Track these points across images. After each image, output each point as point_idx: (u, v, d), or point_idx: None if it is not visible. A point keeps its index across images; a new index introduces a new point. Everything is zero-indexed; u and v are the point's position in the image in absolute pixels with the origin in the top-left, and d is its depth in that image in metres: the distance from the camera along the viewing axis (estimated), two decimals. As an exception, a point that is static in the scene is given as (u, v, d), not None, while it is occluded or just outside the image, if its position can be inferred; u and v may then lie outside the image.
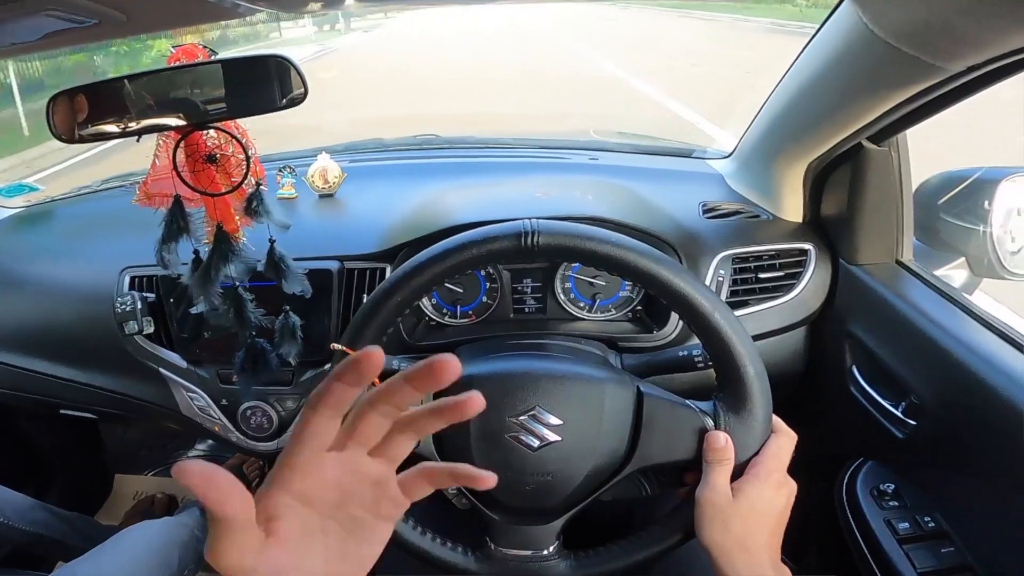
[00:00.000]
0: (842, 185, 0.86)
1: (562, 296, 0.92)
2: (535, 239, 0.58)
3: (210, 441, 1.68)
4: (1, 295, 1.08)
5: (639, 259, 0.57)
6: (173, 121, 0.70)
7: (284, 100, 0.72)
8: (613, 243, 0.58)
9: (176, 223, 0.76)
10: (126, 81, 0.70)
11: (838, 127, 0.78)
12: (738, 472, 0.56)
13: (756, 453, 0.57)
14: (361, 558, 0.37)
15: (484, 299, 0.94)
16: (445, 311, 0.94)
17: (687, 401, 0.60)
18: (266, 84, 0.71)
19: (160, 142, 0.77)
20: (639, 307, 0.92)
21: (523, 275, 0.93)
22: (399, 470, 0.38)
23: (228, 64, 0.72)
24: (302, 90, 0.72)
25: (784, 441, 0.58)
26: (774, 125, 0.90)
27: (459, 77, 7.31)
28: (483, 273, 0.92)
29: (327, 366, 0.93)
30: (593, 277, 0.91)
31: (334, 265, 0.91)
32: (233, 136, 0.75)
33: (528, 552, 0.63)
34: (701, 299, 0.56)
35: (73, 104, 0.70)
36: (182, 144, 0.73)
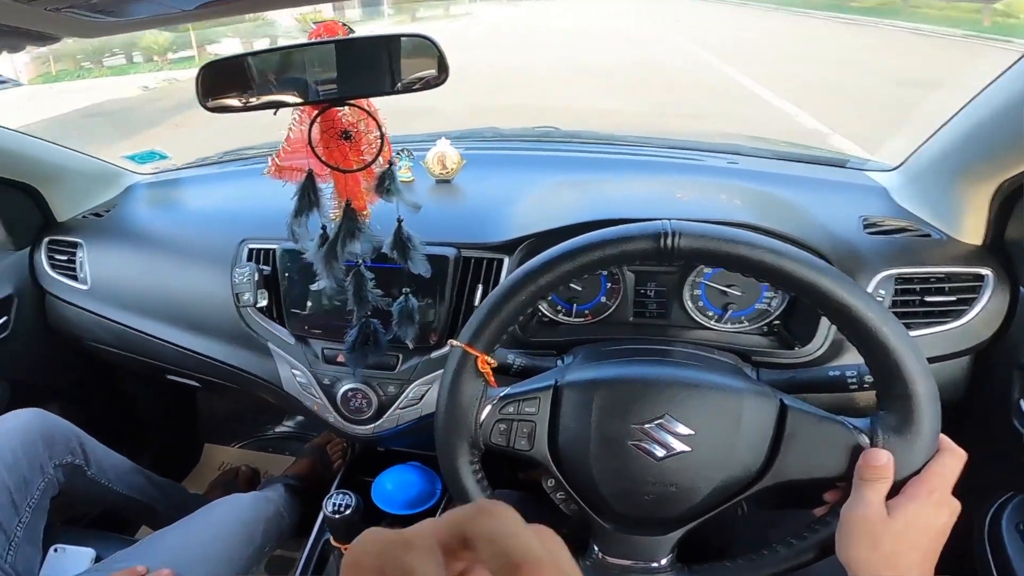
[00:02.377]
0: None
1: (690, 303, 0.89)
2: (676, 241, 0.56)
3: (298, 417, 1.75)
4: (127, 258, 1.17)
5: (795, 266, 0.54)
6: (311, 96, 0.73)
7: (426, 82, 0.72)
8: (766, 248, 0.55)
9: (307, 197, 0.79)
10: (268, 55, 0.73)
11: None
12: (894, 490, 0.54)
13: (916, 472, 0.54)
14: None
15: (603, 299, 0.92)
16: (560, 308, 0.93)
17: (839, 417, 0.57)
18: (407, 63, 0.72)
19: (295, 117, 0.80)
20: (776, 321, 0.88)
21: (648, 278, 0.90)
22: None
23: (369, 41, 0.73)
24: (437, 72, 0.71)
25: (950, 460, 0.55)
26: (964, 139, 0.84)
27: (570, 72, 7.36)
28: (605, 273, 0.90)
29: (433, 354, 0.94)
30: (727, 286, 0.87)
31: (451, 252, 0.92)
32: (369, 114, 0.76)
33: (639, 563, 0.62)
34: (867, 311, 0.53)
35: (219, 75, 0.74)
36: (318, 120, 0.75)
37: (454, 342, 0.63)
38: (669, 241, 0.56)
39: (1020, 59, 0.74)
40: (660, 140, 1.28)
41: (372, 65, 0.72)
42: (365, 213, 0.81)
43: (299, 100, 0.73)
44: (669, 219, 0.58)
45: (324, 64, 0.73)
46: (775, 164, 1.16)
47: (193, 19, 0.82)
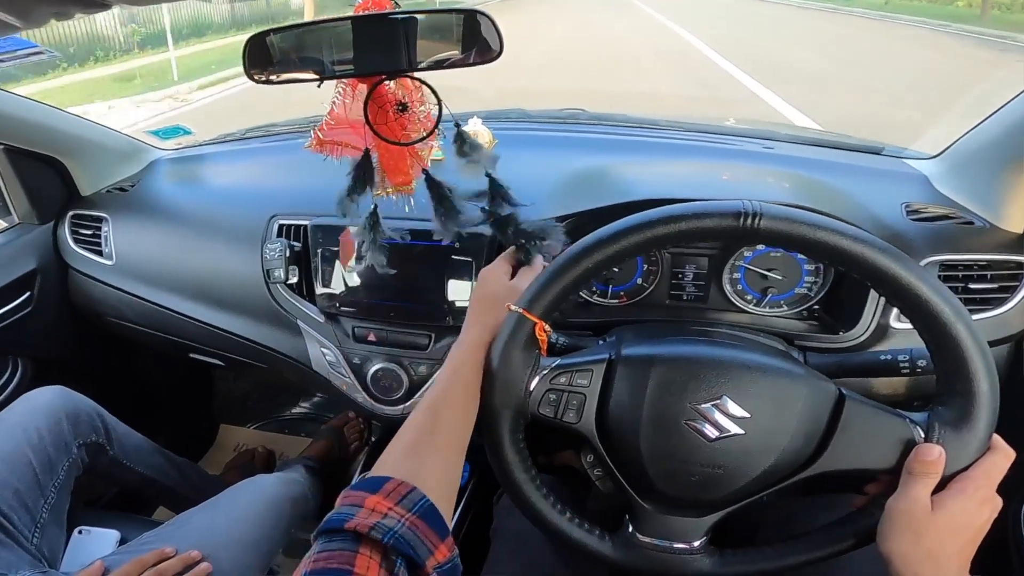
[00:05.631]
0: None
1: (728, 286, 0.90)
2: (756, 221, 0.56)
3: (315, 398, 1.76)
4: (153, 234, 1.17)
5: (878, 256, 0.54)
6: (363, 68, 0.74)
7: (476, 57, 0.73)
8: (851, 237, 0.54)
9: (364, 175, 0.79)
10: (317, 27, 0.73)
11: None
12: (941, 485, 0.55)
13: (965, 468, 0.55)
14: None
15: (639, 281, 0.93)
16: (595, 289, 0.94)
17: (898, 410, 0.58)
18: (463, 38, 0.73)
19: (339, 91, 0.80)
20: (816, 306, 0.89)
21: (686, 260, 0.91)
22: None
23: (419, 15, 0.74)
24: (498, 49, 0.72)
25: (1000, 459, 0.56)
26: (1015, 128, 0.85)
27: (598, 58, 7.47)
28: (642, 255, 0.91)
29: None
30: (768, 270, 0.88)
31: (488, 230, 0.92)
32: (427, 85, 0.76)
33: (672, 543, 0.62)
34: (945, 307, 0.53)
35: (264, 47, 0.75)
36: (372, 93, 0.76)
37: (512, 306, 0.62)
38: (750, 221, 0.56)
39: None
40: (691, 124, 1.28)
41: (452, 36, 0.72)
42: (410, 188, 0.82)
43: (348, 72, 0.73)
44: (750, 200, 0.57)
45: (375, 37, 0.73)
46: (811, 150, 1.16)
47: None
